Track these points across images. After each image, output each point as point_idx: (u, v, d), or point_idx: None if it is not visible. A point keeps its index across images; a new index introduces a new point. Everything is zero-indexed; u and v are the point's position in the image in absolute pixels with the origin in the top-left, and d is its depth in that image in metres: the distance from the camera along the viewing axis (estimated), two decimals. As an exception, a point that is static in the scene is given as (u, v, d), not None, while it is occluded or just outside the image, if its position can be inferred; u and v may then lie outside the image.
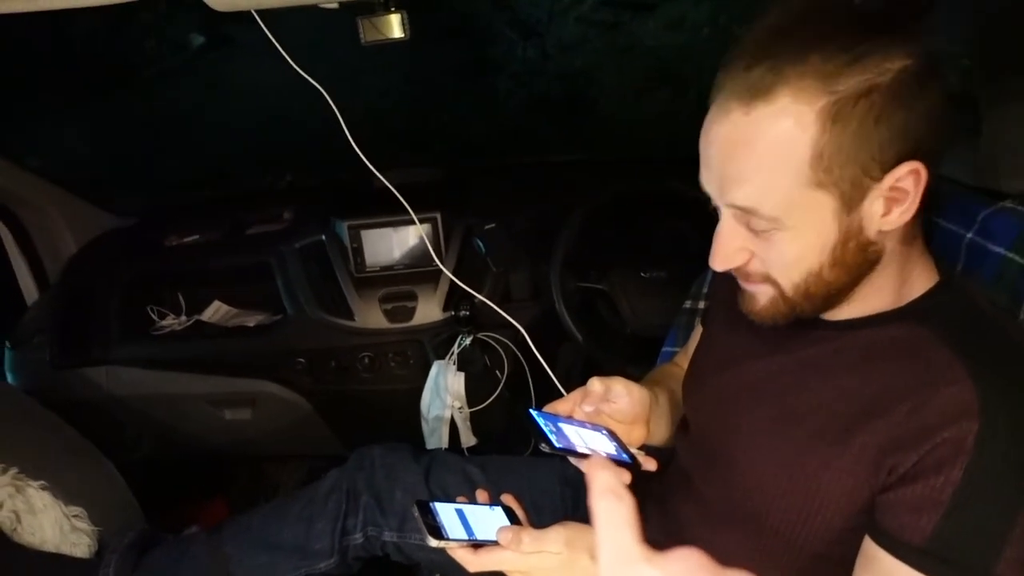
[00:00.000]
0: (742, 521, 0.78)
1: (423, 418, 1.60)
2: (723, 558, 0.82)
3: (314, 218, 1.67)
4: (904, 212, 0.64)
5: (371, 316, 1.59)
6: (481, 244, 1.60)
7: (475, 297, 1.51)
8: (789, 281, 0.69)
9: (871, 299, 0.71)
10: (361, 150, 1.28)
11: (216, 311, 1.76)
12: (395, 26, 1.22)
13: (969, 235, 0.85)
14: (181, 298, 1.76)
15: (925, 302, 0.71)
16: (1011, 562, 0.59)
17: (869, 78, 0.60)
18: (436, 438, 1.59)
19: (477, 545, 0.76)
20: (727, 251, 0.70)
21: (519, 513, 0.82)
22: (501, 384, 1.58)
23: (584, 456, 0.79)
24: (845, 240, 0.66)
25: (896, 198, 0.64)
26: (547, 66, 1.54)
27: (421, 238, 1.58)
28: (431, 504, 0.77)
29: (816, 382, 0.73)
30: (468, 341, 1.56)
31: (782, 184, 0.63)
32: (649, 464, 0.84)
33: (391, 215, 1.55)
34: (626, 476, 0.73)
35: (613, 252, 1.58)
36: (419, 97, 1.66)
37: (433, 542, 0.73)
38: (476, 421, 1.59)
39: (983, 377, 0.62)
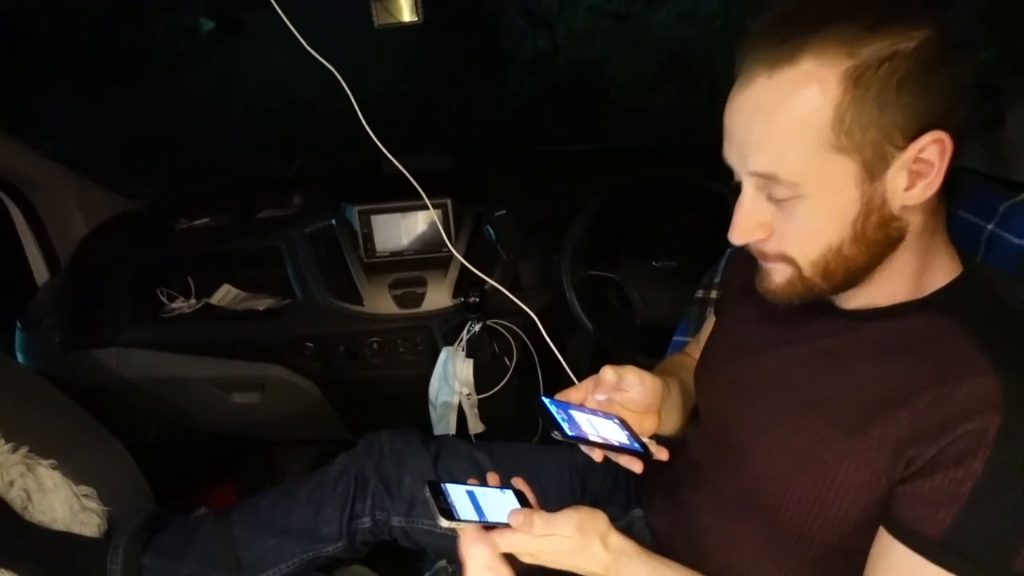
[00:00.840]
0: (755, 511, 0.78)
1: (431, 404, 1.60)
2: (735, 548, 0.83)
3: (324, 203, 1.67)
4: (928, 186, 0.64)
5: (380, 301, 1.59)
6: (491, 231, 1.59)
7: (485, 283, 1.50)
8: (807, 259, 0.68)
9: (891, 287, 0.71)
10: (374, 137, 1.27)
11: (225, 294, 1.76)
12: (407, 9, 1.21)
13: (990, 226, 0.84)
14: (191, 281, 1.76)
15: (947, 293, 0.70)
16: (1029, 556, 0.59)
17: (892, 43, 0.60)
18: (444, 424, 1.59)
19: (488, 527, 0.75)
20: (747, 225, 0.70)
21: (530, 497, 0.82)
22: (510, 371, 1.58)
23: (595, 445, 0.78)
24: (867, 213, 0.65)
25: (920, 171, 0.63)
26: (558, 56, 1.54)
27: (431, 224, 1.57)
28: (443, 485, 0.77)
29: (835, 372, 0.72)
30: (477, 328, 1.55)
31: (803, 147, 0.63)
32: (661, 454, 0.84)
33: (402, 200, 1.54)
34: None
35: (624, 241, 1.57)
36: (431, 85, 1.66)
37: (444, 523, 0.73)
38: (484, 408, 1.59)
39: (1007, 370, 0.61)
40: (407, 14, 1.21)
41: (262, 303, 1.72)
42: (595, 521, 0.76)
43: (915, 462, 0.63)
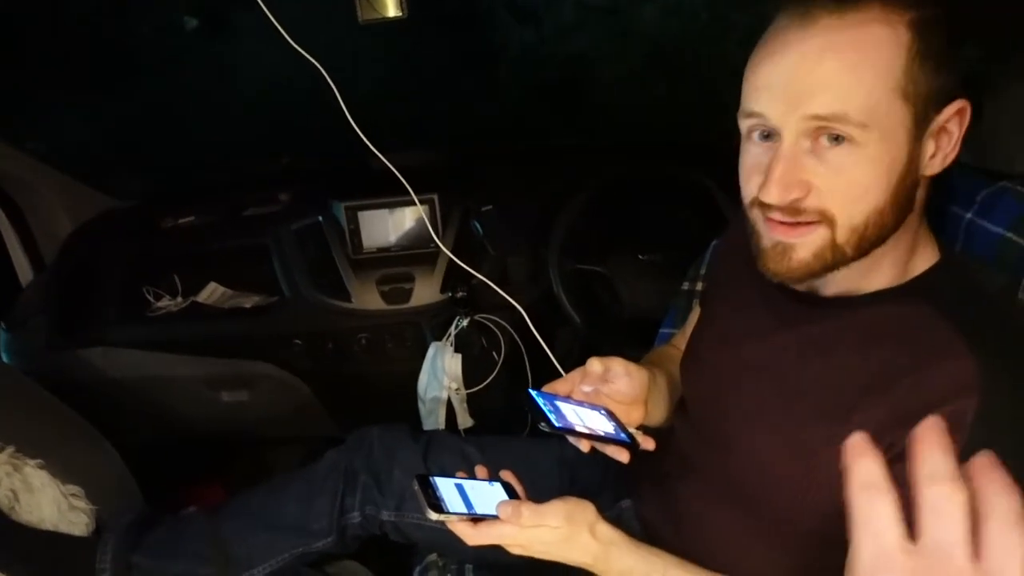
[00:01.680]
0: (740, 499, 0.79)
1: (420, 399, 1.60)
2: (721, 536, 0.84)
3: (311, 200, 1.67)
4: (946, 156, 0.66)
5: (368, 298, 1.59)
6: (479, 227, 1.59)
7: (473, 278, 1.51)
8: (849, 220, 0.65)
9: (877, 272, 0.71)
10: (361, 133, 1.27)
11: (212, 292, 1.75)
12: (391, 5, 1.21)
13: (968, 215, 0.85)
14: (177, 280, 1.75)
15: (927, 279, 0.71)
16: (1007, 536, 0.60)
17: (943, 5, 0.62)
18: (433, 419, 1.59)
19: (476, 519, 0.76)
20: (788, 180, 0.65)
21: (518, 489, 0.82)
22: (498, 366, 1.59)
23: (582, 435, 0.79)
24: (906, 175, 0.65)
25: (941, 142, 0.66)
26: (545, 51, 1.54)
27: (418, 220, 1.58)
28: (431, 478, 0.77)
29: (818, 360, 0.73)
30: (466, 323, 1.56)
31: (875, 87, 0.62)
32: (647, 444, 0.85)
33: (389, 196, 1.54)
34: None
35: (611, 235, 1.58)
36: (417, 81, 1.65)
37: (433, 515, 0.73)
38: (473, 403, 1.59)
39: (983, 354, 0.62)
40: (392, 9, 1.21)
41: (249, 301, 1.72)
42: (584, 511, 0.77)
43: (895, 447, 0.64)
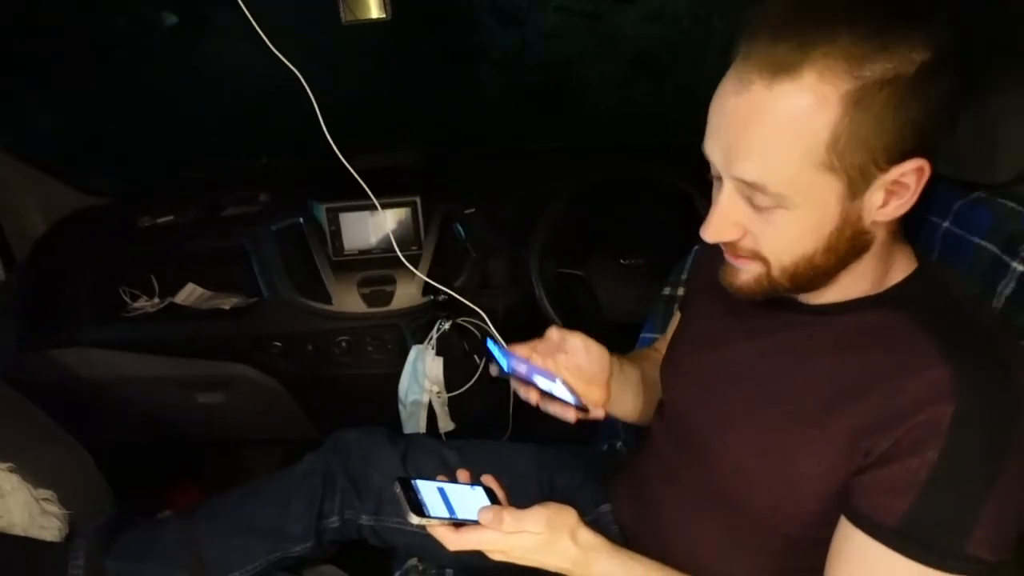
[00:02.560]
0: (719, 504, 0.79)
1: (401, 403, 1.59)
2: (700, 540, 0.85)
3: (291, 200, 1.65)
4: (901, 206, 0.66)
5: (349, 300, 1.58)
6: (460, 229, 1.59)
7: (454, 281, 1.51)
8: (779, 262, 0.69)
9: (852, 285, 0.73)
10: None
11: (190, 293, 1.73)
12: (374, 6, 1.21)
13: (945, 224, 0.86)
14: (154, 280, 1.73)
15: (903, 288, 0.72)
16: (981, 541, 0.61)
17: (895, 67, 0.59)
18: (414, 423, 1.58)
19: (458, 524, 0.76)
20: (722, 224, 0.69)
21: (499, 494, 0.82)
22: (479, 369, 1.58)
23: (532, 385, 0.82)
24: (842, 227, 0.66)
25: (896, 191, 0.65)
26: (527, 54, 1.54)
27: (400, 222, 1.57)
28: (413, 481, 0.77)
29: (795, 366, 0.74)
30: (447, 326, 1.55)
31: (794, 162, 0.63)
32: (597, 412, 0.88)
33: (370, 198, 1.54)
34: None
35: (592, 239, 1.59)
36: (400, 82, 1.65)
37: (415, 519, 0.72)
38: (454, 406, 1.59)
39: (958, 361, 0.63)
40: (375, 11, 1.20)
41: (227, 302, 1.70)
42: (565, 517, 0.77)
43: (872, 453, 0.65)
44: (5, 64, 1.45)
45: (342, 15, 1.19)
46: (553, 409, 0.87)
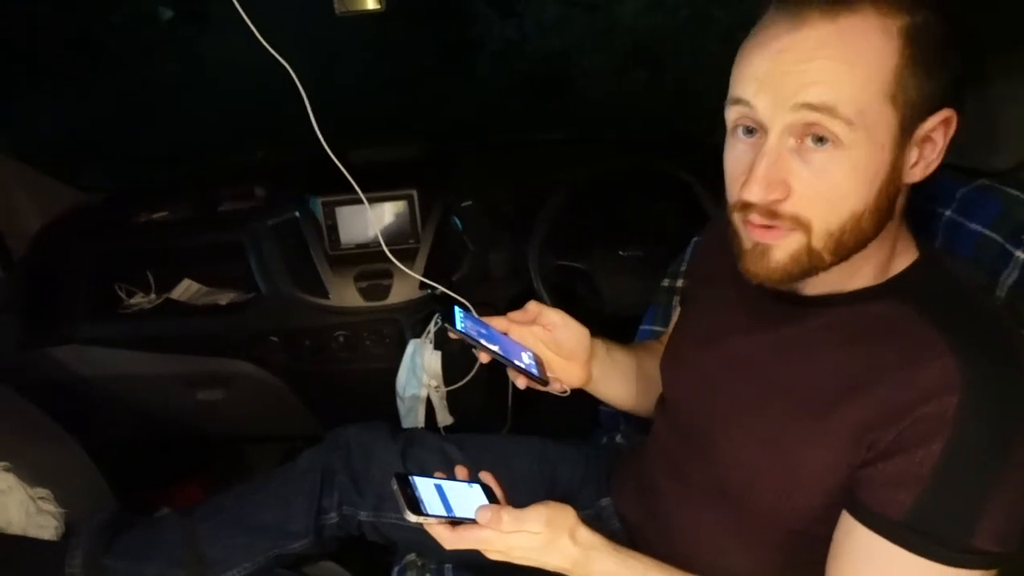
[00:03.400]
0: (722, 499, 0.79)
1: (399, 397, 1.59)
2: (703, 535, 0.84)
3: (287, 195, 1.64)
4: (929, 165, 0.66)
5: (346, 294, 1.57)
6: (458, 222, 1.58)
7: (452, 275, 1.50)
8: (826, 226, 0.65)
9: (857, 273, 0.71)
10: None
11: (186, 289, 1.73)
12: (369, -5, 1.19)
13: (947, 213, 0.85)
14: (150, 276, 1.72)
15: (906, 278, 0.71)
16: (987, 533, 0.60)
17: (936, 11, 0.62)
18: (412, 417, 1.58)
19: (455, 523, 0.75)
20: (771, 177, 0.64)
21: (497, 492, 0.81)
22: (478, 363, 1.57)
23: (485, 348, 0.83)
24: (888, 181, 0.65)
25: (924, 150, 0.65)
26: (526, 45, 1.52)
27: (397, 215, 1.56)
28: (410, 477, 0.76)
29: (799, 359, 0.73)
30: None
31: (867, 85, 0.61)
32: (555, 385, 0.90)
33: (367, 192, 1.52)
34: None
35: (592, 231, 1.57)
36: (397, 75, 1.63)
37: (412, 517, 0.72)
38: (452, 400, 1.58)
39: (964, 353, 0.62)
40: (369, 1, 1.19)
41: (224, 298, 1.69)
42: (564, 516, 0.76)
43: (876, 445, 0.64)
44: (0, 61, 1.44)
45: (336, 6, 1.18)
46: (510, 373, 0.88)
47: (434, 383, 1.54)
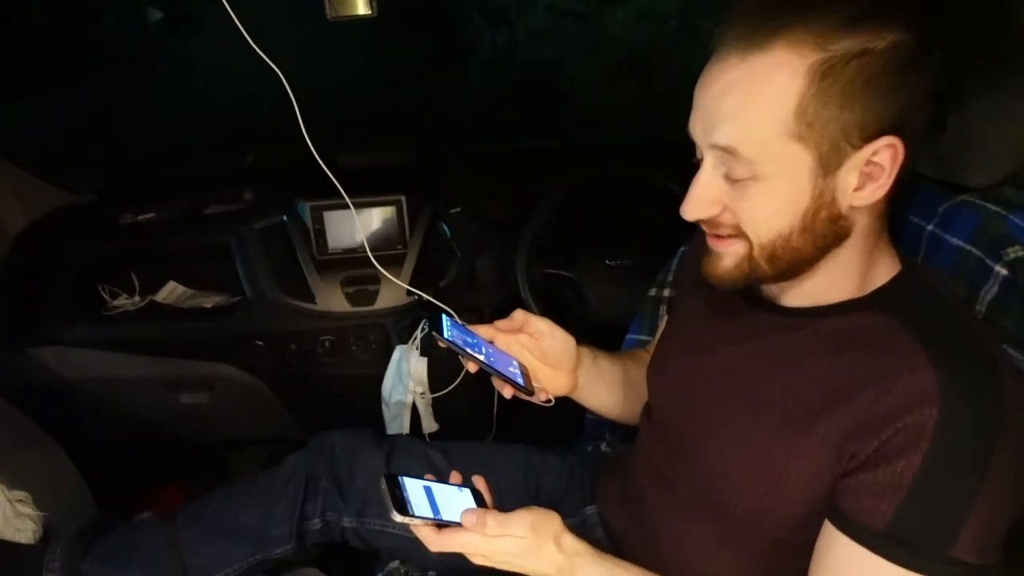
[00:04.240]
0: (706, 507, 0.79)
1: (384, 403, 1.58)
2: (687, 543, 0.84)
3: (275, 198, 1.63)
4: (877, 189, 0.66)
5: (333, 299, 1.56)
6: (447, 229, 1.58)
7: (439, 281, 1.50)
8: (758, 239, 0.69)
9: (836, 285, 0.72)
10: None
11: (171, 292, 1.71)
12: (360, 2, 1.19)
13: (930, 227, 0.86)
14: (135, 278, 1.71)
15: (889, 291, 0.72)
16: (967, 544, 0.61)
17: (863, 41, 0.61)
18: (398, 423, 1.57)
19: (441, 525, 0.75)
20: (703, 199, 0.70)
21: (487, 497, 0.81)
22: (464, 370, 1.57)
23: (472, 357, 0.84)
24: (817, 207, 0.67)
25: (871, 174, 0.65)
26: (517, 54, 1.54)
27: (385, 221, 1.56)
28: (400, 478, 0.76)
29: (783, 369, 0.73)
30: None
31: (765, 127, 0.64)
32: (540, 395, 0.91)
33: (355, 197, 1.52)
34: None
35: (579, 239, 1.58)
36: (389, 81, 1.64)
37: (398, 517, 0.72)
38: (438, 407, 1.58)
39: (944, 365, 0.63)
40: (361, 7, 1.19)
41: (210, 301, 1.68)
42: (549, 522, 0.76)
43: (858, 456, 0.65)
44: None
45: (327, 11, 1.18)
46: (495, 382, 0.89)
47: (420, 389, 1.54)
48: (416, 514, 0.73)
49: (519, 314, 0.92)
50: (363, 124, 1.73)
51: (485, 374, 0.86)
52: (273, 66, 1.10)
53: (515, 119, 1.81)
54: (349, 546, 1.12)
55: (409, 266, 1.56)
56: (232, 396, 1.66)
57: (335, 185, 1.33)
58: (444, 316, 0.86)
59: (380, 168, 1.67)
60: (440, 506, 0.76)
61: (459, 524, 0.74)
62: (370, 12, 1.17)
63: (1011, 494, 0.62)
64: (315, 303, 1.56)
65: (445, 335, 0.83)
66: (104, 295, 1.68)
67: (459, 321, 0.89)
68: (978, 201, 0.83)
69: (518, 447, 1.16)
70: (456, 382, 1.55)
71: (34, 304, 1.60)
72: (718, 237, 0.73)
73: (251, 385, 1.64)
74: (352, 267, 1.57)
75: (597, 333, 1.51)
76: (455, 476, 0.83)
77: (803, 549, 0.71)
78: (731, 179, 0.68)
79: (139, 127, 1.71)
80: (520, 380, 0.87)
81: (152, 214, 1.69)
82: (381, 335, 1.61)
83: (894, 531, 0.62)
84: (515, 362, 0.90)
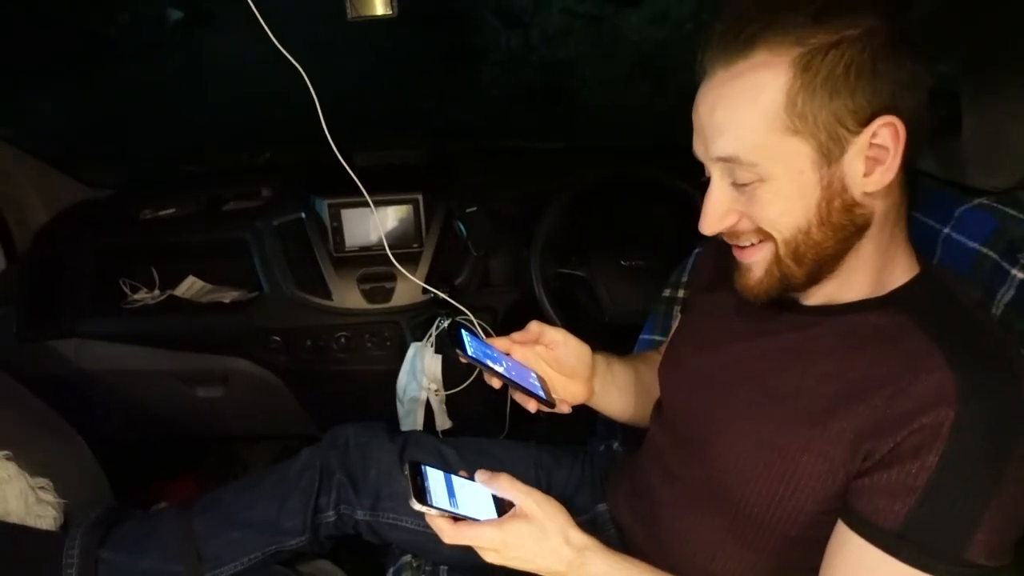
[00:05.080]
0: (716, 503, 0.79)
1: (398, 400, 1.59)
2: (697, 539, 0.85)
3: (293, 195, 1.65)
4: (886, 172, 0.66)
5: (349, 296, 1.58)
6: (462, 227, 1.59)
7: (455, 279, 1.50)
8: (780, 235, 0.70)
9: (854, 284, 0.73)
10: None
11: (190, 286, 1.73)
12: (379, 2, 1.21)
13: (946, 230, 0.86)
14: (155, 272, 1.73)
15: (906, 291, 0.72)
16: (981, 545, 0.61)
17: (838, 30, 0.63)
18: (411, 420, 1.58)
19: (456, 518, 0.76)
20: (717, 213, 0.72)
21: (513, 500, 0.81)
22: (478, 368, 1.58)
23: (495, 373, 0.84)
24: (829, 198, 0.68)
25: (877, 157, 0.66)
26: (531, 55, 1.54)
27: (401, 219, 1.57)
28: (423, 467, 0.77)
29: (798, 366, 0.74)
30: (446, 324, 1.55)
31: (759, 129, 0.66)
32: (563, 407, 0.92)
33: (372, 195, 1.54)
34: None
35: (594, 239, 1.59)
36: (404, 81, 1.65)
37: (416, 505, 0.73)
38: (452, 404, 1.59)
39: (961, 366, 0.63)
40: (380, 7, 1.20)
41: (228, 296, 1.70)
42: (556, 512, 0.77)
43: (872, 455, 0.65)
44: (10, 56, 1.45)
45: (348, 11, 1.19)
46: (517, 397, 0.90)
47: (434, 387, 1.55)
48: (434, 504, 0.74)
49: (534, 325, 0.92)
50: (379, 123, 1.74)
51: (505, 386, 0.87)
52: (296, 64, 1.11)
53: (528, 120, 1.81)
54: (362, 539, 1.13)
55: (425, 264, 1.57)
56: (247, 390, 1.68)
57: (352, 183, 1.35)
58: (464, 332, 0.87)
59: (396, 166, 1.69)
60: (459, 500, 0.77)
61: (474, 519, 0.75)
62: (390, 12, 1.19)
63: None
64: (331, 300, 1.58)
65: (469, 352, 0.84)
66: (124, 289, 1.70)
67: (474, 322, 0.90)
68: (995, 204, 0.83)
69: (529, 445, 1.17)
70: (470, 380, 1.56)
71: (55, 297, 1.63)
72: (743, 249, 0.75)
73: (266, 380, 1.66)
74: (368, 264, 1.58)
75: (610, 333, 1.52)
76: (481, 475, 0.84)
77: (813, 547, 0.71)
78: (739, 186, 0.70)
79: (157, 123, 1.73)
80: (541, 392, 0.88)
81: (172, 210, 1.71)
82: (396, 332, 1.62)
83: (908, 532, 0.63)
84: (533, 374, 0.90)
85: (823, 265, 0.71)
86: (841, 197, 0.68)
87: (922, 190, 0.91)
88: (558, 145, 1.86)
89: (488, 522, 0.76)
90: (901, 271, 0.73)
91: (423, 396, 1.56)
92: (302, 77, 1.16)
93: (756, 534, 0.76)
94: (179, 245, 1.70)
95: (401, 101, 1.71)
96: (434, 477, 0.77)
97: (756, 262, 0.74)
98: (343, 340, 1.61)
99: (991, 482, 0.61)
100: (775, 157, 0.66)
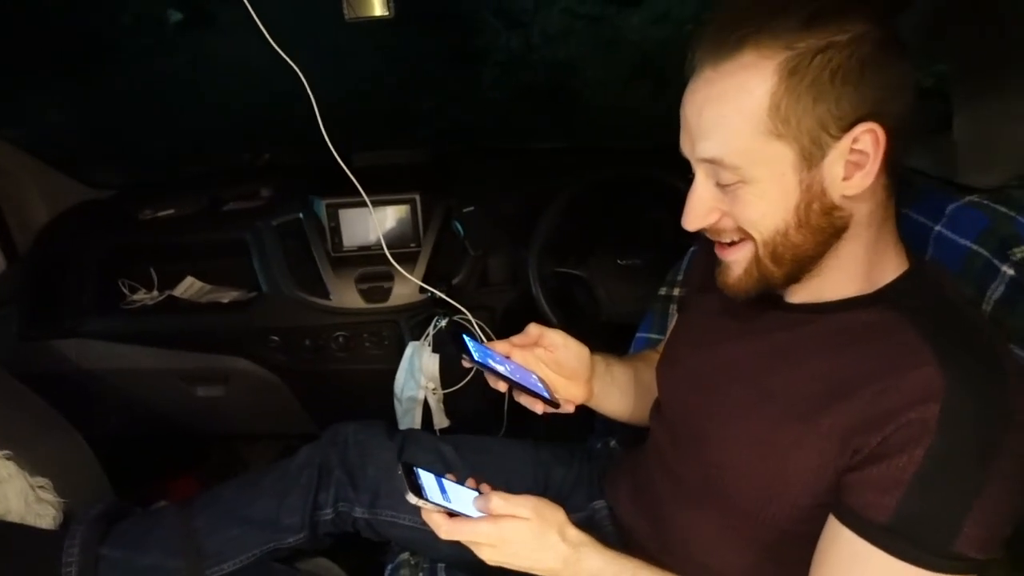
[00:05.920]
0: (712, 499, 0.80)
1: (396, 399, 1.60)
2: (694, 535, 0.85)
3: (292, 196, 1.66)
4: (865, 176, 0.67)
5: (347, 295, 1.59)
6: (460, 227, 1.60)
7: (452, 278, 1.51)
8: (760, 235, 0.71)
9: (842, 281, 0.73)
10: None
11: (189, 287, 1.74)
12: (377, 3, 1.22)
13: (937, 227, 0.87)
14: (154, 272, 1.74)
15: (896, 287, 0.73)
16: (970, 538, 0.62)
17: (827, 35, 0.64)
18: (409, 419, 1.59)
19: (451, 514, 0.76)
20: (699, 211, 0.74)
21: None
22: (475, 367, 1.59)
23: (500, 376, 0.85)
24: (808, 201, 0.68)
25: (857, 162, 0.67)
26: (532, 56, 1.54)
27: (399, 219, 1.58)
28: (416, 468, 0.77)
29: (790, 364, 0.74)
30: (444, 323, 1.56)
31: (743, 132, 0.67)
32: (567, 407, 0.93)
33: (370, 195, 1.54)
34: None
35: (591, 238, 1.59)
36: (404, 81, 1.65)
37: (412, 499, 0.73)
38: (449, 403, 1.59)
39: (949, 362, 0.63)
40: (378, 8, 1.21)
41: (227, 296, 1.71)
42: (553, 510, 0.78)
43: (862, 450, 0.66)
44: (11, 57, 1.46)
45: (345, 12, 1.20)
46: (523, 400, 0.90)
47: (432, 385, 1.56)
48: (430, 499, 0.75)
49: (533, 328, 0.93)
50: (378, 123, 1.74)
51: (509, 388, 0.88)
52: (294, 66, 1.12)
53: (528, 120, 1.81)
54: (360, 536, 1.13)
55: (423, 263, 1.58)
56: (247, 389, 1.69)
57: (351, 183, 1.36)
58: (467, 337, 0.87)
59: (393, 166, 1.70)
60: (452, 499, 0.78)
61: (468, 515, 0.76)
62: (387, 13, 1.20)
63: (1016, 491, 0.63)
64: (330, 299, 1.59)
65: (475, 356, 0.85)
66: (124, 289, 1.71)
67: (476, 333, 0.90)
68: (986, 202, 0.84)
69: (527, 443, 1.17)
70: (467, 378, 1.57)
71: (55, 297, 1.64)
72: (724, 246, 0.76)
73: (266, 379, 1.67)
74: (366, 264, 1.59)
75: (607, 331, 1.52)
76: (470, 482, 0.85)
77: (808, 541, 0.71)
78: (722, 185, 0.71)
79: (158, 124, 1.74)
80: (546, 394, 0.89)
81: (171, 210, 1.72)
82: (394, 331, 1.63)
83: (897, 525, 0.63)
84: (535, 376, 0.91)
85: (802, 265, 0.73)
86: (820, 200, 0.68)
87: (913, 188, 0.92)
88: (558, 145, 1.87)
89: (484, 518, 0.76)
90: (891, 268, 0.74)
91: (421, 395, 1.57)
92: (302, 78, 1.17)
93: (751, 529, 0.77)
94: (178, 245, 1.71)
95: (402, 102, 1.72)
96: (427, 479, 0.78)
97: (736, 260, 0.75)
98: (341, 339, 1.62)
99: (978, 476, 0.62)
100: (758, 161, 0.67)
